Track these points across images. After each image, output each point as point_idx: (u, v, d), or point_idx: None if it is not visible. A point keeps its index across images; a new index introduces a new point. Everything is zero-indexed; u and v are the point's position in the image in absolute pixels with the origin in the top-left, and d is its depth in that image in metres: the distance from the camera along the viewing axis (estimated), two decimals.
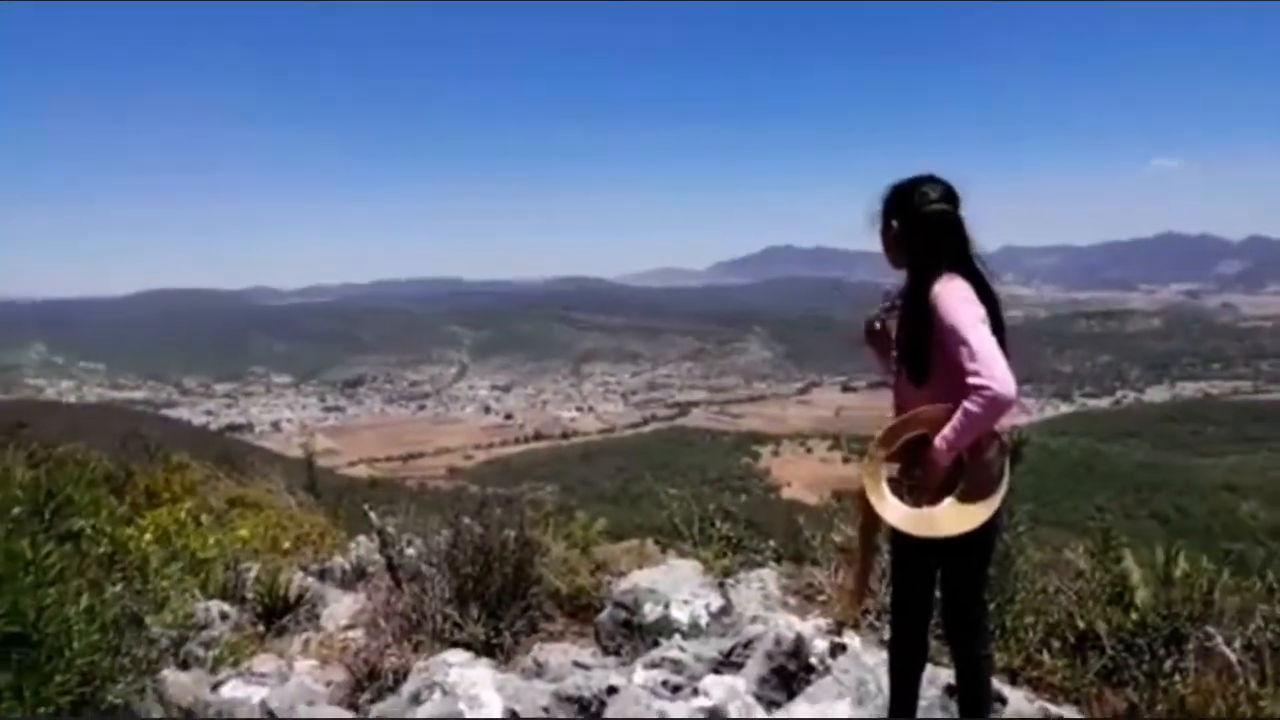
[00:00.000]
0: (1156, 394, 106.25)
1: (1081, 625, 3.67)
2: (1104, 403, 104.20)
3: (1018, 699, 3.18)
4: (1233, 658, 3.30)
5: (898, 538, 2.72)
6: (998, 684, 3.14)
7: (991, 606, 3.67)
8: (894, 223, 2.69)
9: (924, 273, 2.60)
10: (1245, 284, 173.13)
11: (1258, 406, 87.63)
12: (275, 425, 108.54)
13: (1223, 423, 79.82)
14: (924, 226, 2.62)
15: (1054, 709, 3.18)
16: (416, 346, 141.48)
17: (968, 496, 2.52)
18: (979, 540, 2.62)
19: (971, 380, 2.38)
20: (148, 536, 3.99)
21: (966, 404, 2.39)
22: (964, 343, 2.41)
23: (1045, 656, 3.63)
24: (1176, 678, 3.37)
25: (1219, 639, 3.41)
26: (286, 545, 7.30)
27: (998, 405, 2.37)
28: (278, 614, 5.31)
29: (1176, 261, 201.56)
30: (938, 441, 2.47)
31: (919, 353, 2.57)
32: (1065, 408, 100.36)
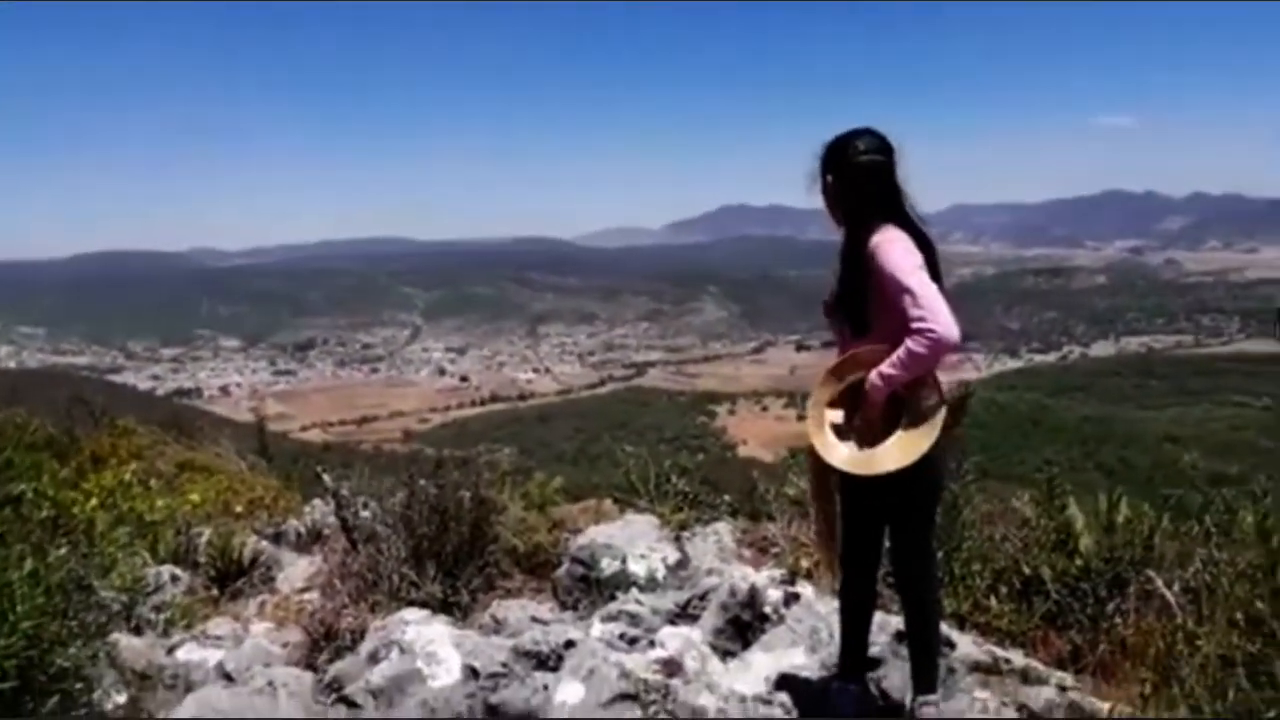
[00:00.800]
0: (1102, 349, 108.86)
1: (1027, 571, 3.77)
2: (1051, 358, 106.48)
3: (966, 643, 3.26)
4: (1172, 599, 3.41)
5: (847, 487, 2.75)
6: (946, 629, 3.22)
7: (940, 555, 3.76)
8: (829, 177, 2.70)
9: (859, 224, 2.61)
10: (1187, 240, 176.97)
11: (1198, 360, 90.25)
12: (224, 390, 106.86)
13: (1165, 376, 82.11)
14: (856, 178, 2.63)
15: (1000, 652, 3.26)
16: (367, 308, 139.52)
17: (909, 427, 2.54)
18: (925, 488, 2.68)
19: (915, 324, 2.38)
20: (93, 501, 3.90)
21: (909, 342, 2.39)
22: (907, 290, 2.41)
23: (992, 602, 3.72)
24: (1118, 620, 3.48)
25: (1159, 582, 3.51)
26: (239, 509, 7.23)
27: (940, 346, 2.38)
28: (232, 577, 5.27)
29: (1121, 218, 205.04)
30: (873, 376, 2.48)
31: (859, 304, 2.58)
32: (1013, 363, 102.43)
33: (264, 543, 5.93)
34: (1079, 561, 3.69)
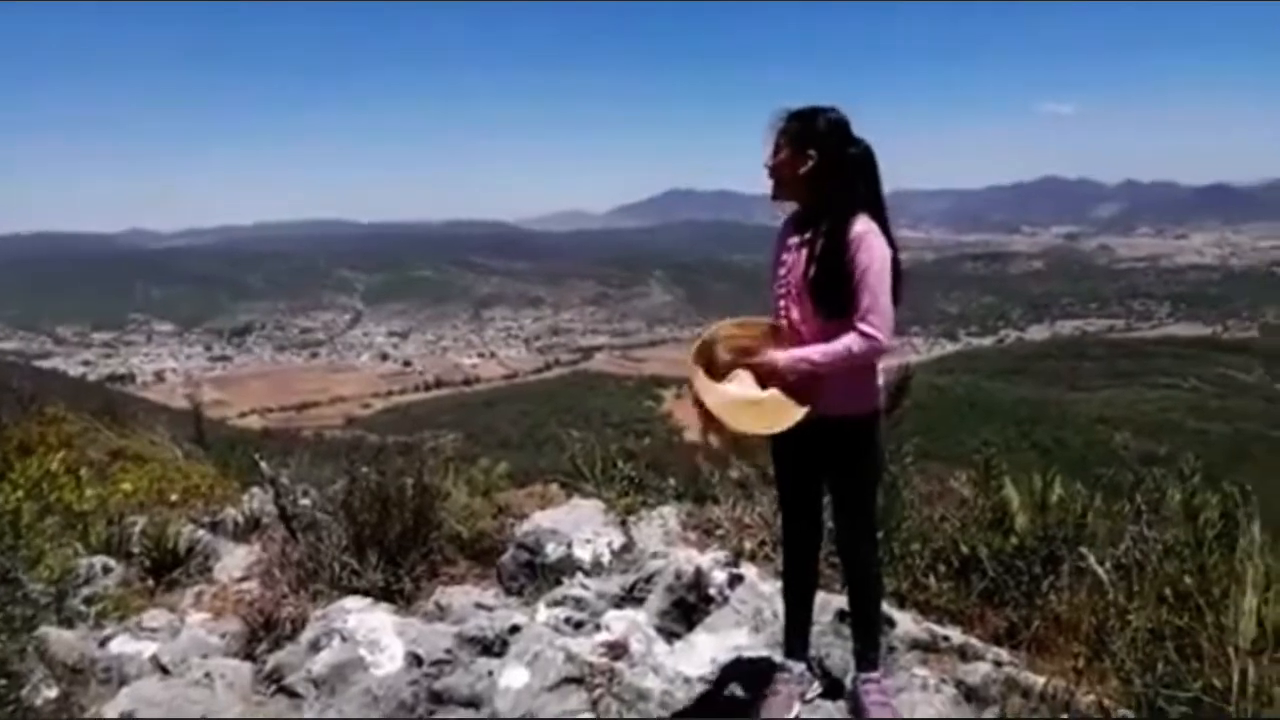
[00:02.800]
0: (1037, 333, 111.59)
1: (965, 550, 3.84)
2: (988, 341, 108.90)
3: (906, 621, 3.32)
4: (1103, 576, 3.50)
5: (781, 467, 2.81)
6: (887, 608, 3.27)
7: (881, 535, 3.82)
8: (810, 153, 2.63)
9: (844, 211, 2.59)
10: (1120, 227, 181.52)
11: (1130, 343, 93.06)
12: (159, 375, 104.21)
13: (1098, 359, 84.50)
14: (849, 165, 2.61)
15: (939, 629, 3.33)
16: (307, 292, 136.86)
17: (791, 394, 2.60)
18: (866, 467, 2.71)
19: (864, 327, 2.50)
20: (19, 492, 3.77)
21: (853, 341, 2.51)
22: (870, 289, 2.51)
23: (931, 580, 3.79)
24: (1052, 596, 3.57)
25: (1091, 559, 3.61)
26: (174, 498, 7.07)
27: (874, 354, 2.55)
28: (167, 568, 5.14)
29: (1057, 205, 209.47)
30: (800, 360, 2.55)
31: (836, 288, 2.56)
32: (951, 346, 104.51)
33: (201, 532, 5.79)
34: (1014, 540, 3.78)
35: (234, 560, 5.38)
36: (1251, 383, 77.71)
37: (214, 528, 6.18)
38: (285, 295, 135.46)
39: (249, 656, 3.76)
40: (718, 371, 2.67)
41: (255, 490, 6.82)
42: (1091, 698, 2.67)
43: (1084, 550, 3.66)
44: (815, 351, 2.55)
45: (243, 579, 4.97)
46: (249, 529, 6.09)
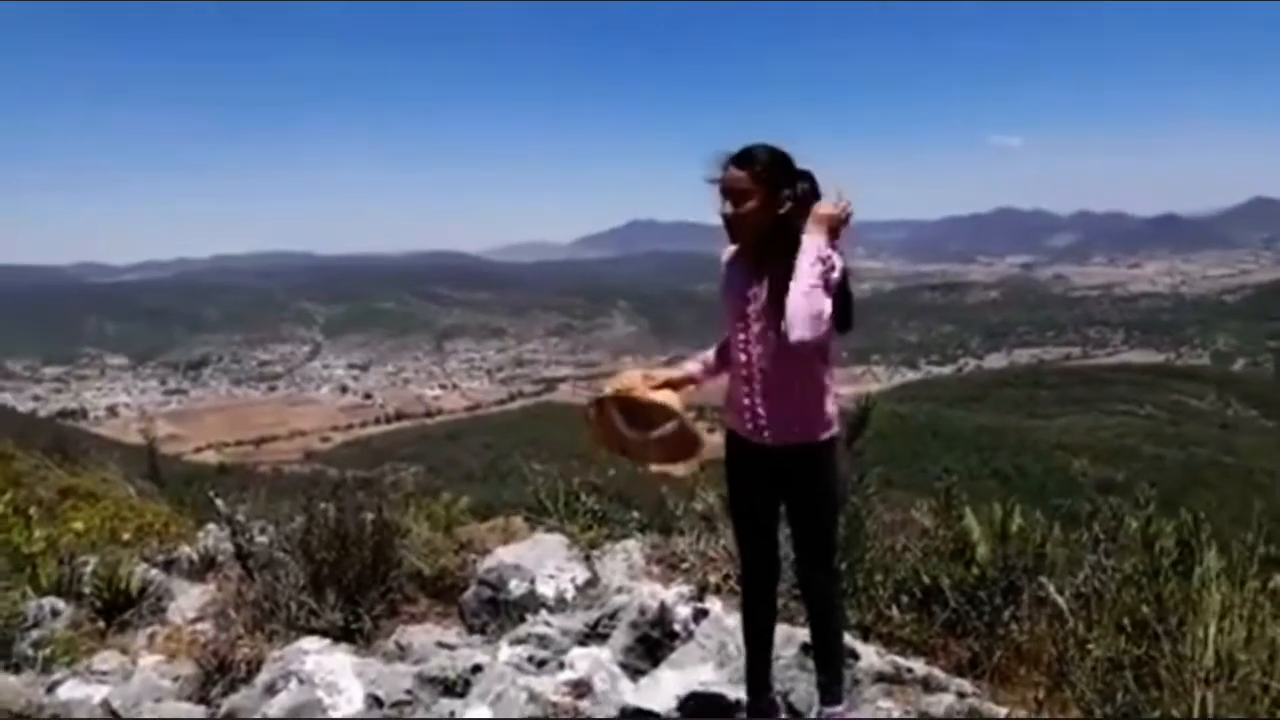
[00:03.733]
0: (995, 361, 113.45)
1: (927, 581, 3.86)
2: (947, 370, 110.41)
3: (869, 654, 3.32)
4: (1063, 605, 3.54)
5: (738, 499, 2.82)
6: (851, 640, 3.27)
7: (844, 566, 3.83)
8: (786, 193, 2.60)
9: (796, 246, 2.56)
10: (1074, 256, 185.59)
11: (1085, 370, 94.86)
12: (112, 410, 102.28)
13: (1055, 386, 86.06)
14: (811, 197, 2.62)
15: (903, 661, 3.34)
16: (265, 324, 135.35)
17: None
18: (825, 494, 2.70)
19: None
20: None
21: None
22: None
23: (894, 612, 3.80)
24: (1013, 626, 3.59)
25: (1051, 588, 3.64)
26: (127, 536, 6.89)
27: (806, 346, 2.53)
28: (119, 609, 5.00)
29: (1012, 235, 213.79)
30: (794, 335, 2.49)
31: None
32: (912, 375, 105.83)
33: (154, 571, 5.64)
34: (976, 570, 3.80)
35: (188, 600, 5.25)
36: (1204, 408, 79.60)
37: (168, 567, 6.04)
38: (243, 328, 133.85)
39: (203, 700, 3.66)
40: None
41: (211, 527, 6.68)
42: None
43: (1044, 580, 3.69)
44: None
45: (197, 619, 4.85)
46: (204, 568, 5.95)
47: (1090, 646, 3.00)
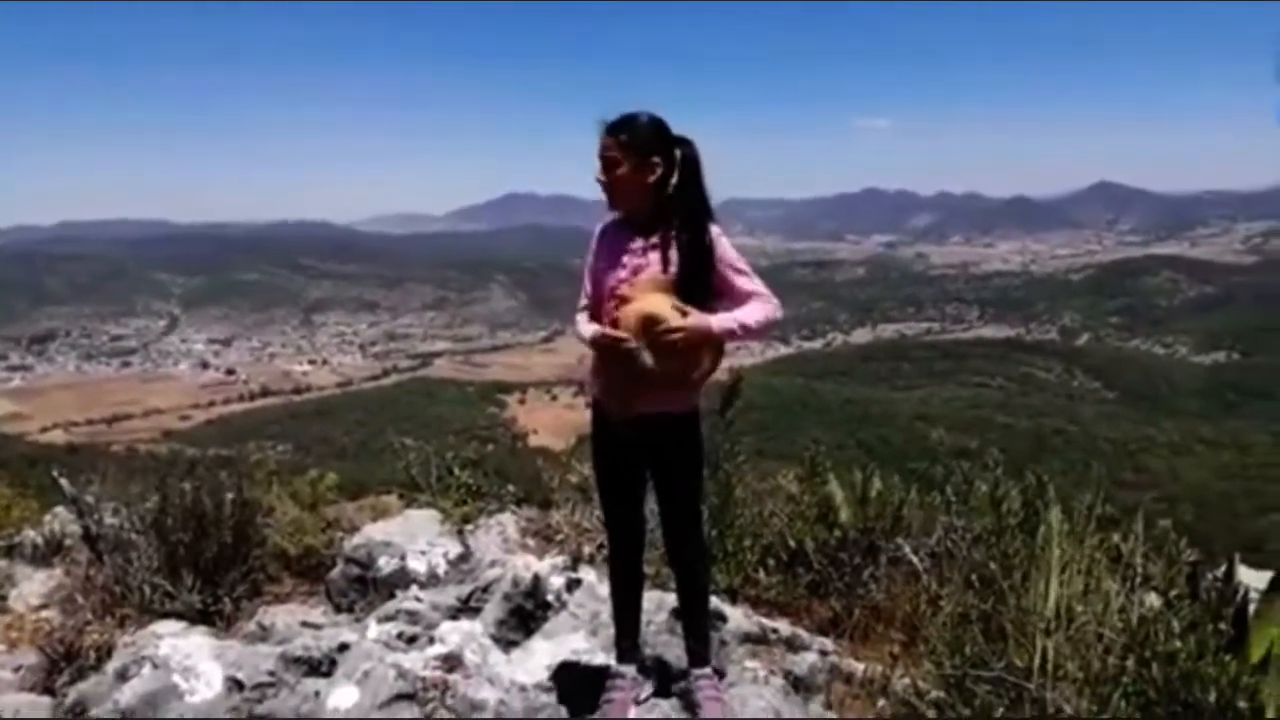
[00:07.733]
0: (861, 336, 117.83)
1: (792, 544, 3.99)
2: (817, 344, 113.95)
3: (737, 616, 3.41)
4: (918, 564, 3.73)
5: (604, 469, 2.83)
6: (719, 603, 3.36)
7: (714, 532, 3.92)
8: (655, 160, 2.63)
9: (701, 214, 2.67)
10: (934, 236, 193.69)
11: (944, 345, 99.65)
12: None
13: (917, 360, 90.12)
14: (693, 168, 2.67)
15: (769, 622, 3.44)
16: (117, 296, 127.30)
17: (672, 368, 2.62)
18: (688, 462, 2.75)
19: (767, 296, 2.65)
20: None
21: (769, 307, 2.64)
22: (744, 272, 2.68)
23: (762, 575, 3.92)
24: (872, 585, 3.76)
25: (907, 549, 3.84)
26: None
27: (778, 315, 2.67)
28: None
29: (878, 215, 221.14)
30: (729, 322, 2.58)
31: (701, 283, 2.64)
32: (784, 349, 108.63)
33: None
34: (838, 533, 3.95)
35: (32, 587, 4.95)
36: (1051, 380, 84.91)
37: (9, 552, 5.67)
38: (92, 300, 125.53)
39: (48, 690, 3.48)
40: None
41: (58, 510, 6.30)
42: (906, 681, 2.82)
43: (900, 540, 3.88)
44: (743, 321, 2.59)
45: (41, 606, 4.59)
46: (50, 553, 5.62)
47: (942, 603, 3.16)
